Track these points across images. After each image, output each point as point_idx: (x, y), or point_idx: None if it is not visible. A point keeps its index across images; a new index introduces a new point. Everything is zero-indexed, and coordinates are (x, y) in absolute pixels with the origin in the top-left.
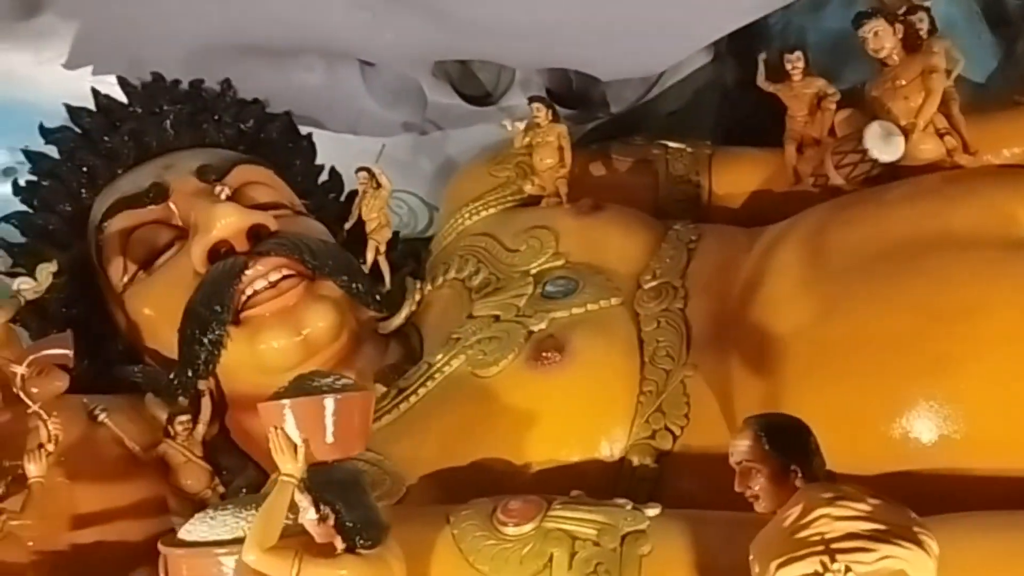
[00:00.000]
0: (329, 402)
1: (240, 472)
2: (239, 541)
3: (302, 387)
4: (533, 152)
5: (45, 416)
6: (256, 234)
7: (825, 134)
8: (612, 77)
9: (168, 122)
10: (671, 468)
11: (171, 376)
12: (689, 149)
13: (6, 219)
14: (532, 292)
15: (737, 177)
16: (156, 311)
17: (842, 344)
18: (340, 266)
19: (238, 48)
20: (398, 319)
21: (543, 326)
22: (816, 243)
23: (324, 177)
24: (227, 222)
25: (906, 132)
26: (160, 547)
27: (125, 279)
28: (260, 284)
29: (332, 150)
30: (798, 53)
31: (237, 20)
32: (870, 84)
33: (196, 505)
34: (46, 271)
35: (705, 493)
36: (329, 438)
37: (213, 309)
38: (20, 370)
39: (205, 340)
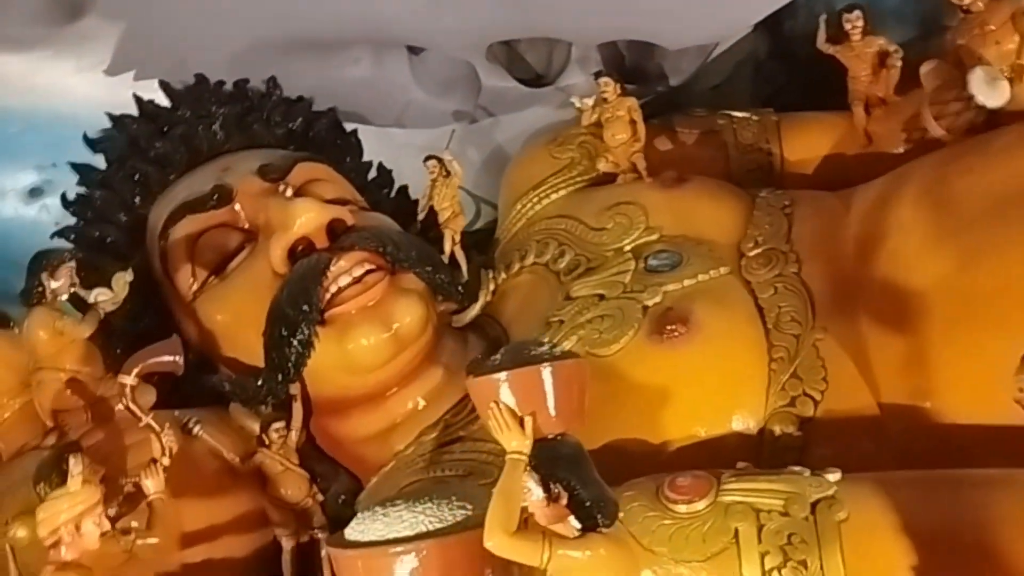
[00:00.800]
0: (547, 371)
1: (333, 478)
2: (425, 536)
3: (516, 357)
4: (604, 129)
5: (158, 428)
6: (332, 230)
7: (891, 92)
8: (679, 45)
9: (217, 124)
10: (815, 434)
11: (259, 382)
12: (755, 117)
13: (61, 234)
14: (635, 267)
15: (808, 142)
16: (234, 317)
17: (989, 292)
18: (423, 257)
19: (282, 45)
20: (473, 310)
21: (658, 300)
22: (937, 195)
23: (373, 173)
24: (307, 219)
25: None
26: (330, 549)
27: (195, 287)
28: (344, 280)
29: (375, 146)
30: (857, 12)
31: (284, 15)
32: (953, 33)
33: (298, 515)
34: (122, 280)
35: (852, 458)
36: (552, 411)
37: (301, 309)
38: (129, 381)
39: (294, 342)
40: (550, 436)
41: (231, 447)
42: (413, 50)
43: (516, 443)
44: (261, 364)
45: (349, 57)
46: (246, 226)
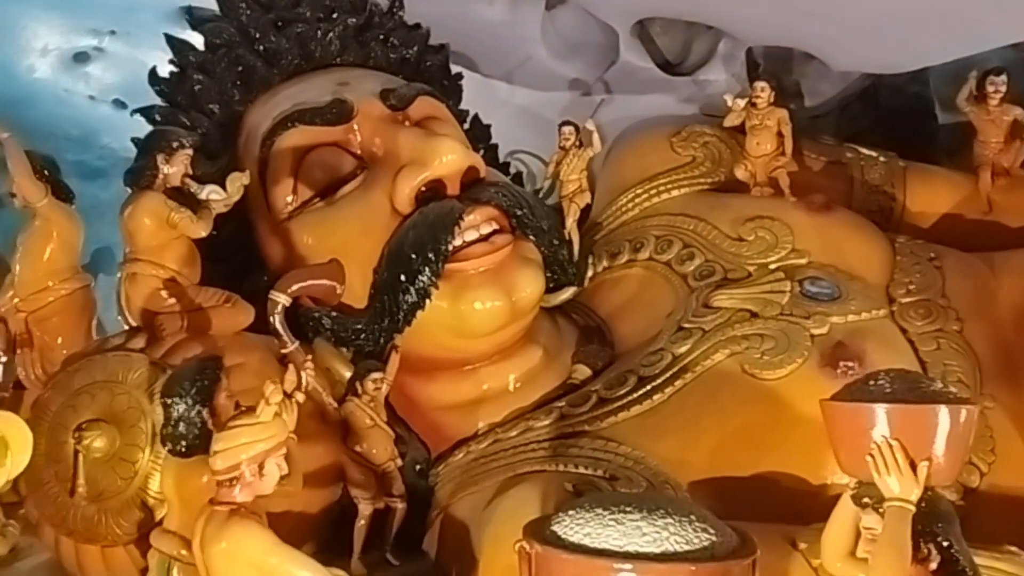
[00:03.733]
0: (950, 414)
1: (407, 443)
2: (671, 557)
3: (913, 390)
4: (748, 135)
5: (304, 358)
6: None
7: (1018, 165)
8: (844, 68)
9: (335, 32)
10: (977, 506)
11: (360, 324)
12: (883, 159)
13: (144, 111)
14: (791, 290)
15: (932, 196)
16: (338, 246)
17: None
18: (551, 228)
19: None
20: (566, 293)
21: (824, 331)
22: None
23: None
24: (451, 159)
25: None
26: (538, 546)
27: (294, 204)
28: (471, 235)
29: (472, 95)
30: (1004, 76)
31: None
32: None
33: (379, 477)
34: (238, 182)
35: (1010, 538)
36: (940, 458)
37: (427, 256)
38: (283, 300)
39: (412, 289)
40: (931, 488)
41: (326, 389)
42: (551, 3)
43: (904, 490)
44: (356, 303)
45: None
46: (358, 151)
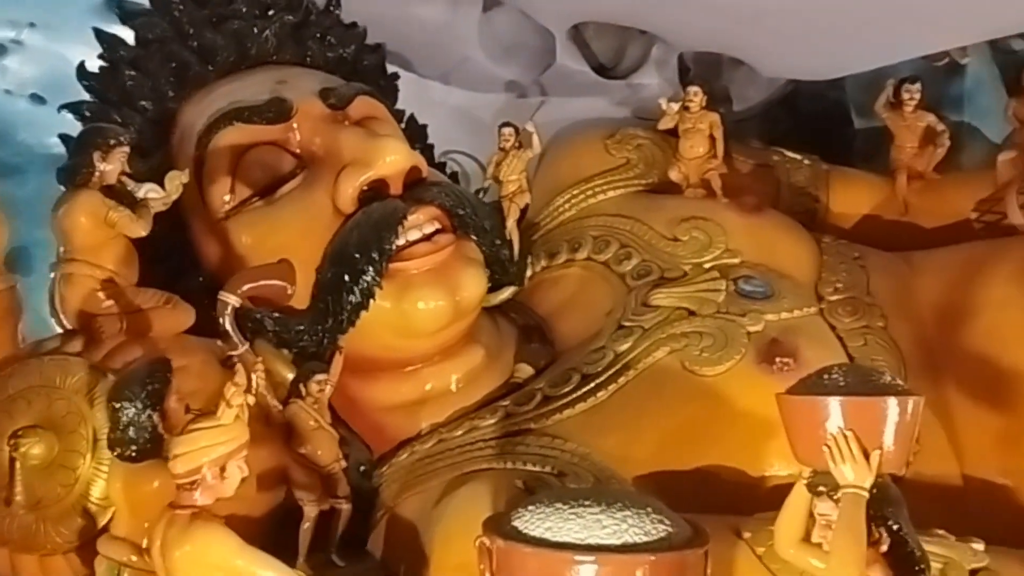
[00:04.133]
0: (898, 405)
1: (349, 444)
2: (632, 548)
3: (864, 383)
4: (681, 139)
5: (254, 360)
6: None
7: (931, 168)
8: (772, 74)
9: (272, 30)
10: (905, 493)
11: (303, 326)
12: (807, 162)
13: (72, 107)
14: (726, 288)
15: (853, 198)
16: (277, 247)
17: None
18: (493, 228)
19: None
20: (505, 293)
21: (759, 328)
22: None
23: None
24: (394, 159)
25: None
26: (501, 541)
27: (231, 204)
28: (414, 235)
29: (407, 95)
30: (918, 84)
31: None
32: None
33: (323, 479)
34: (177, 180)
35: (939, 518)
36: (890, 448)
37: (370, 255)
38: (233, 300)
39: (356, 289)
40: (883, 475)
41: (268, 391)
42: (488, 5)
43: (859, 477)
44: (298, 303)
45: None
46: (297, 150)
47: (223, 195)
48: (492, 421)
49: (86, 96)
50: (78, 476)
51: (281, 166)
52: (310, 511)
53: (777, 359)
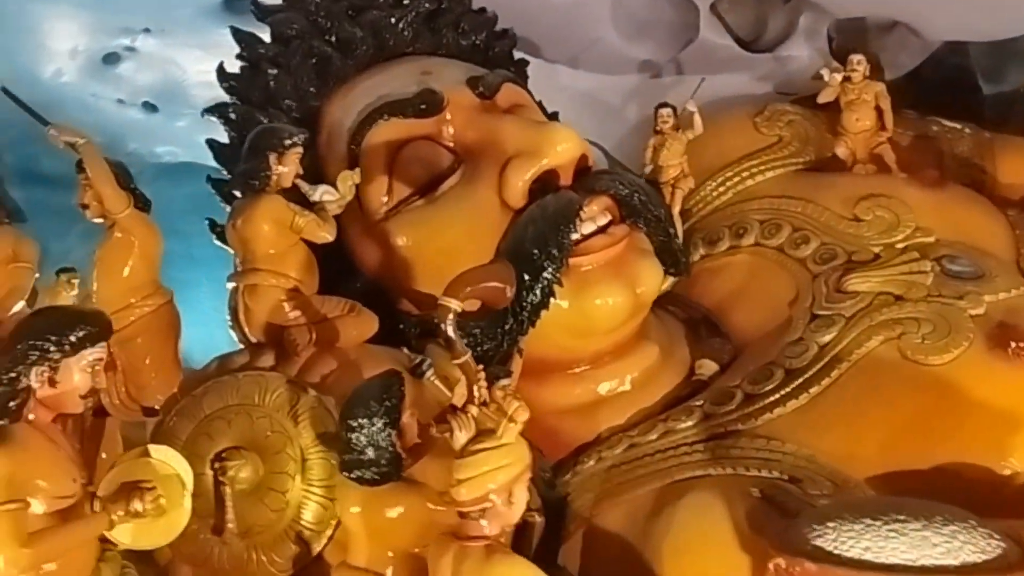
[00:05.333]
0: None
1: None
2: (973, 570)
3: None
4: (845, 111)
5: (476, 369)
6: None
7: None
8: (939, 37)
9: (408, 19)
10: None
11: (481, 329)
12: (967, 130)
13: (215, 111)
14: (932, 270)
15: (1020, 167)
16: (444, 246)
17: None
18: (666, 216)
19: None
20: (666, 284)
21: (981, 311)
22: None
23: None
24: (565, 147)
25: None
26: (806, 565)
27: (389, 204)
28: (589, 228)
29: (532, 80)
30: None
31: None
32: None
33: None
34: (350, 181)
35: None
36: None
37: (549, 251)
38: (455, 306)
39: (536, 288)
40: None
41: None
42: None
43: None
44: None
45: None
46: (450, 144)
47: (381, 195)
48: (690, 423)
49: (197, 102)
50: (288, 500)
51: (439, 161)
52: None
53: (1012, 343)
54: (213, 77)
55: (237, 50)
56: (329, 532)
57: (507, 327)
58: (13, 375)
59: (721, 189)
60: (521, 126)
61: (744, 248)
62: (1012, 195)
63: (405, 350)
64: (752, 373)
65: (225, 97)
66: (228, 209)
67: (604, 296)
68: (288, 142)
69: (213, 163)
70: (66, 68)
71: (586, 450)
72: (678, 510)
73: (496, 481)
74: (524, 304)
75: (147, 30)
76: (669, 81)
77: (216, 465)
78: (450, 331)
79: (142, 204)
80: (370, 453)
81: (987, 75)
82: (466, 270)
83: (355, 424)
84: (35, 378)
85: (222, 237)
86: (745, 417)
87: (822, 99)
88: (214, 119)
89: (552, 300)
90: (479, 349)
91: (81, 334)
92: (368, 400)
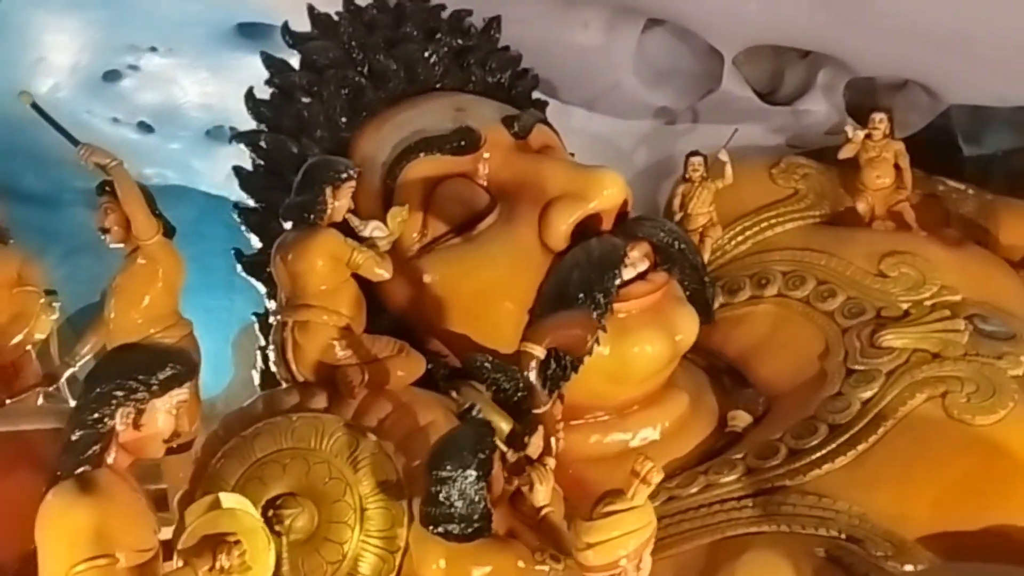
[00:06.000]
0: None
1: None
2: None
3: None
4: (865, 168)
5: (556, 417)
6: None
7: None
8: (959, 101)
9: (439, 55)
10: None
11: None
12: (970, 191)
13: (244, 138)
14: (964, 328)
15: (1022, 229)
16: (481, 286)
17: None
18: (702, 266)
19: None
20: None
21: (1020, 372)
22: None
23: None
24: (611, 192)
25: None
26: None
27: (422, 240)
28: (628, 274)
29: None
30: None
31: None
32: None
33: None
34: (399, 217)
35: None
36: None
37: (594, 297)
38: (539, 352)
39: None
40: None
41: None
42: (646, 27)
43: None
44: (504, 347)
45: (579, 19)
46: (485, 183)
47: (414, 231)
48: (733, 477)
49: (195, 124)
50: (345, 552)
51: (475, 200)
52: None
53: None
54: (214, 100)
55: (244, 74)
56: None
57: (550, 371)
58: (97, 416)
59: (740, 239)
60: (566, 168)
61: (767, 298)
62: (1013, 256)
63: (454, 393)
64: (794, 427)
65: (224, 122)
66: (255, 239)
67: (643, 343)
68: (344, 175)
69: (204, 187)
70: (64, 83)
71: None
72: (740, 568)
73: (627, 547)
74: None
75: (153, 49)
76: (682, 128)
77: (270, 513)
78: (533, 378)
79: (166, 231)
80: (460, 507)
81: (967, 137)
82: (548, 317)
83: (446, 476)
84: (120, 420)
85: (250, 269)
86: (792, 473)
87: (843, 155)
88: (217, 143)
89: (597, 346)
90: (520, 393)
91: (169, 373)
92: (461, 450)
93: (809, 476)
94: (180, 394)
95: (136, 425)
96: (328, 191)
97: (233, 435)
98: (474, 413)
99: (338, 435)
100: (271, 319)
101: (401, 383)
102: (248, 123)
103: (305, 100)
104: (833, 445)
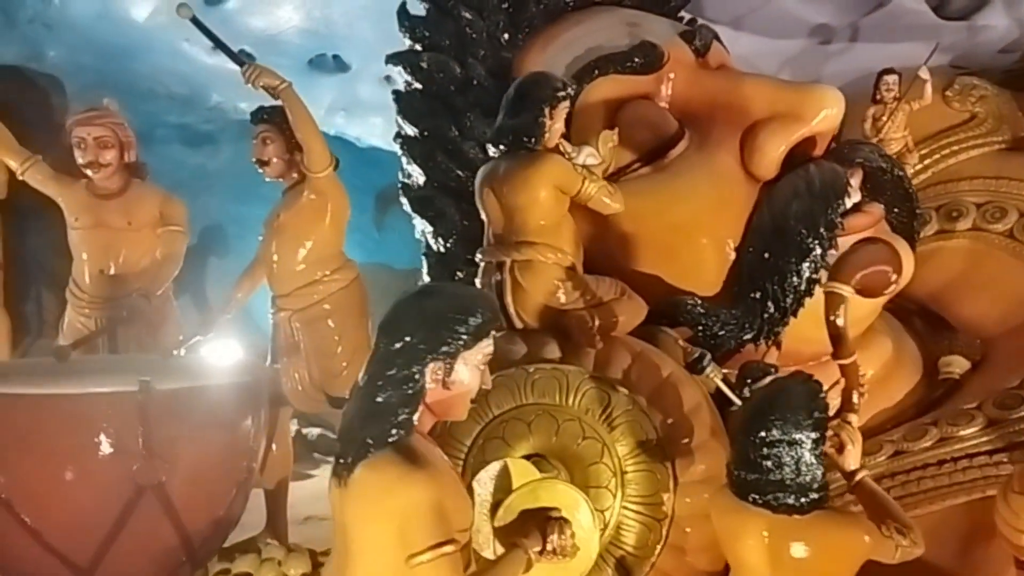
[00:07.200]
0: None
1: None
2: None
3: None
4: None
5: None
6: None
7: None
8: None
9: None
10: None
11: (736, 317)
12: None
13: (400, 58)
14: None
15: None
16: (680, 220)
17: None
18: (914, 195)
19: None
20: None
21: None
22: None
23: None
24: (830, 113)
25: None
26: None
27: (606, 171)
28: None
29: None
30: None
31: None
32: None
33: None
34: (611, 142)
35: None
36: None
37: (818, 232)
38: (847, 292)
39: (806, 271)
40: None
41: None
42: None
43: None
44: (706, 288)
45: None
46: (668, 104)
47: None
48: (973, 430)
49: (295, 51)
50: (607, 520)
51: (663, 124)
52: None
53: None
54: (320, 26)
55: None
56: (653, 560)
57: (768, 315)
58: (406, 374)
59: (919, 167)
60: (773, 86)
61: (960, 232)
62: None
63: (681, 342)
64: None
65: (328, 50)
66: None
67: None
68: (561, 93)
69: None
70: (163, 8)
71: None
72: None
73: None
74: (788, 289)
75: None
76: (835, 49)
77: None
78: (841, 323)
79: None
80: (792, 474)
81: None
82: (850, 251)
83: (775, 439)
84: (430, 377)
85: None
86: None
87: None
88: (319, 72)
89: (818, 286)
90: (734, 339)
91: (480, 321)
92: (794, 410)
93: None
94: (488, 345)
95: (445, 384)
96: (547, 111)
97: None
98: (705, 363)
99: (586, 389)
100: (478, 259)
101: (624, 329)
102: (354, 51)
103: (467, 16)
104: None
